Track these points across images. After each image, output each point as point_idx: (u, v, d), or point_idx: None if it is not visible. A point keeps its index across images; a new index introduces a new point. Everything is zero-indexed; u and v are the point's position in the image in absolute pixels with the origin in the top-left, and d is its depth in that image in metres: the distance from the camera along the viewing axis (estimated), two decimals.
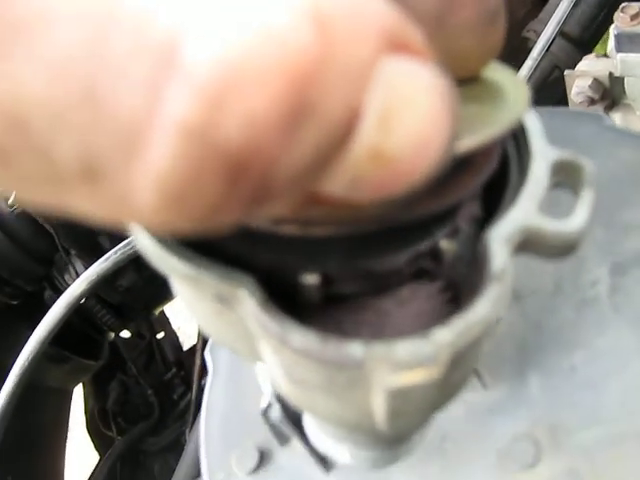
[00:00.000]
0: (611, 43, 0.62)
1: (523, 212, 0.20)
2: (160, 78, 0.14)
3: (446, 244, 0.21)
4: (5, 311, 1.22)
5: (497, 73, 0.24)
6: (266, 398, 0.37)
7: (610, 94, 0.65)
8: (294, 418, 0.37)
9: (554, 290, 0.37)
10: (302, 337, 0.19)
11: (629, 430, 0.31)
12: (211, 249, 0.20)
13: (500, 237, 0.20)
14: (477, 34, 0.24)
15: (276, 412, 0.37)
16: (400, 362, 0.18)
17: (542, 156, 0.22)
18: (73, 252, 1.10)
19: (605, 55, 0.75)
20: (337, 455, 0.32)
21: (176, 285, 0.24)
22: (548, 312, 0.36)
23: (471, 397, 0.35)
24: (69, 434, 1.49)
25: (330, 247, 0.21)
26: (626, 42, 0.60)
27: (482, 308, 0.18)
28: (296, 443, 0.37)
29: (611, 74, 0.64)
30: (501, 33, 0.25)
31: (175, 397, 1.47)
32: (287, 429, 0.37)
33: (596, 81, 0.64)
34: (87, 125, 0.14)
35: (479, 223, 0.21)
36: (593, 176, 0.22)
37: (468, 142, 0.19)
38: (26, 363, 0.78)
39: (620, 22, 0.59)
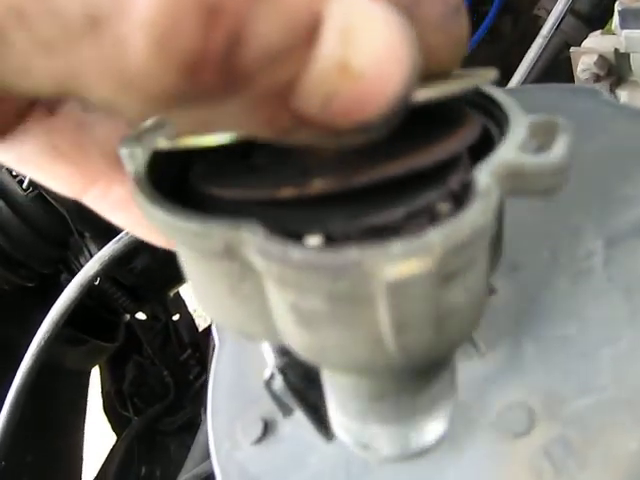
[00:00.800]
0: (616, 20, 0.62)
1: (504, 151, 0.22)
2: None
3: (442, 205, 0.22)
4: (22, 293, 1.24)
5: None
6: (269, 370, 0.38)
7: (616, 71, 0.65)
8: (296, 389, 0.38)
9: (550, 262, 0.37)
10: (302, 250, 0.20)
11: (620, 398, 0.32)
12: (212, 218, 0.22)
13: (484, 169, 0.22)
14: (442, 28, 0.26)
15: (279, 383, 0.38)
16: (394, 255, 0.20)
17: (519, 119, 0.24)
18: (87, 235, 1.11)
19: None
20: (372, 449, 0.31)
21: (188, 267, 0.25)
22: (543, 284, 0.37)
23: (468, 367, 0.36)
24: (87, 415, 1.51)
25: (329, 208, 0.22)
26: (631, 18, 0.60)
27: (469, 216, 0.20)
28: (299, 414, 0.38)
29: (616, 50, 0.64)
30: (465, 27, 0.27)
31: (191, 378, 1.49)
32: (290, 400, 0.38)
33: (602, 58, 0.64)
34: None
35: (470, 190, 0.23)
36: (568, 126, 0.23)
37: (431, 92, 0.22)
38: (42, 343, 0.80)
39: None
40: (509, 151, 0.22)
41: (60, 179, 0.32)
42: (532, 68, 0.96)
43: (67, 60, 0.17)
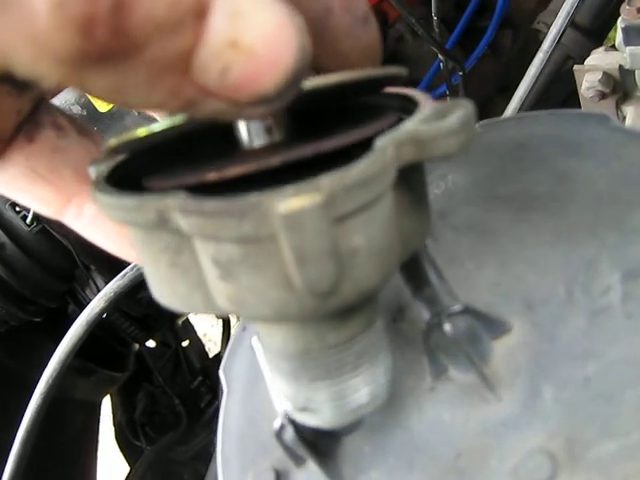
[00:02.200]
0: (619, 36, 0.61)
1: (406, 125, 0.27)
2: None
3: None
4: (29, 326, 1.23)
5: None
6: (279, 419, 0.37)
7: (621, 87, 0.64)
8: (308, 439, 0.37)
9: (566, 298, 0.36)
10: (213, 201, 0.25)
11: None
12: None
13: (382, 138, 0.26)
14: (352, 35, 0.31)
15: (290, 433, 0.37)
16: (287, 194, 0.24)
17: (427, 105, 0.29)
18: (92, 267, 1.11)
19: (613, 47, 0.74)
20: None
21: (139, 252, 0.30)
22: (560, 322, 0.35)
23: (485, 411, 0.35)
24: (99, 445, 1.50)
25: (245, 190, 0.25)
26: (634, 35, 0.59)
27: (358, 164, 0.25)
28: (312, 464, 0.37)
29: (621, 67, 0.63)
30: (375, 34, 0.32)
31: (202, 405, 1.47)
32: (301, 450, 0.37)
33: (606, 75, 0.63)
34: None
35: None
36: (468, 105, 0.28)
37: (322, 79, 0.27)
38: (49, 381, 0.79)
39: (626, 15, 0.58)
40: (410, 124, 0.27)
41: (39, 200, 0.37)
42: (534, 83, 0.95)
43: None
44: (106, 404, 1.57)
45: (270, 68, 0.22)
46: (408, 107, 0.31)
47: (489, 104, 1.40)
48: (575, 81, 1.21)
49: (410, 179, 0.29)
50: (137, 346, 1.43)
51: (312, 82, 0.27)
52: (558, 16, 0.98)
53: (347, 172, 0.24)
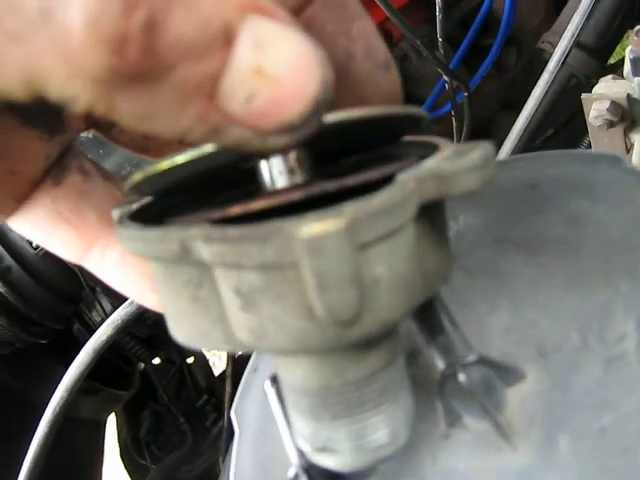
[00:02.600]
0: (627, 67, 0.61)
1: (427, 163, 0.28)
2: None
3: None
4: (33, 347, 1.23)
5: None
6: (293, 469, 0.37)
7: (629, 116, 0.64)
8: None
9: (580, 345, 0.36)
10: (236, 228, 0.25)
11: None
12: None
13: (404, 173, 0.27)
14: (373, 82, 0.32)
15: None
16: (309, 219, 0.24)
17: (448, 147, 0.30)
18: (98, 289, 1.11)
19: (621, 61, 0.74)
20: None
21: (160, 289, 0.30)
22: (575, 369, 0.35)
23: (500, 461, 0.35)
24: (104, 463, 1.49)
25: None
26: None
27: (380, 194, 0.25)
28: None
29: (629, 96, 0.63)
30: (396, 80, 0.33)
31: (207, 424, 1.47)
32: None
33: (614, 103, 0.63)
34: None
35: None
36: (488, 145, 0.28)
37: (344, 114, 0.27)
38: (56, 410, 0.79)
39: (635, 45, 0.58)
40: (431, 162, 0.28)
41: (63, 243, 0.37)
42: (539, 104, 0.95)
43: (28, 48, 0.22)
44: (112, 421, 1.57)
45: (294, 96, 0.23)
46: (428, 153, 0.31)
47: (493, 122, 1.40)
48: (578, 100, 1.21)
49: (432, 217, 0.30)
50: (142, 365, 1.43)
51: (334, 116, 0.27)
52: (563, 37, 0.98)
53: (370, 200, 0.25)
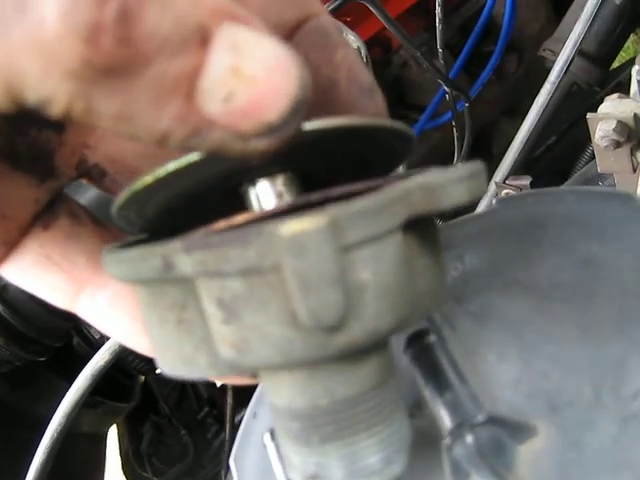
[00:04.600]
0: (634, 87, 0.59)
1: (416, 177, 0.27)
2: None
3: None
4: (34, 363, 1.22)
5: None
6: None
7: (636, 135, 0.63)
8: None
9: (593, 401, 0.34)
10: (216, 234, 0.25)
11: None
12: None
13: (393, 184, 0.27)
14: (358, 107, 0.32)
15: None
16: (289, 219, 0.24)
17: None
18: None
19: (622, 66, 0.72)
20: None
21: (144, 315, 0.30)
22: (588, 427, 0.34)
23: None
24: (106, 475, 1.48)
25: None
26: None
27: (364, 198, 0.25)
28: None
29: (636, 115, 0.61)
30: (381, 104, 0.33)
31: (209, 436, 1.45)
32: None
33: (620, 123, 0.62)
34: None
35: None
36: (477, 164, 0.28)
37: (321, 122, 0.27)
38: (54, 435, 0.78)
39: None
40: (419, 177, 0.27)
41: (53, 288, 0.37)
42: (542, 113, 0.94)
43: (3, 45, 0.21)
44: (113, 433, 1.56)
45: (273, 96, 0.23)
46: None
47: (494, 127, 1.39)
48: (582, 106, 1.19)
49: (423, 234, 0.29)
50: (143, 378, 1.42)
51: (316, 123, 0.27)
52: (565, 46, 0.96)
53: (353, 202, 0.25)
